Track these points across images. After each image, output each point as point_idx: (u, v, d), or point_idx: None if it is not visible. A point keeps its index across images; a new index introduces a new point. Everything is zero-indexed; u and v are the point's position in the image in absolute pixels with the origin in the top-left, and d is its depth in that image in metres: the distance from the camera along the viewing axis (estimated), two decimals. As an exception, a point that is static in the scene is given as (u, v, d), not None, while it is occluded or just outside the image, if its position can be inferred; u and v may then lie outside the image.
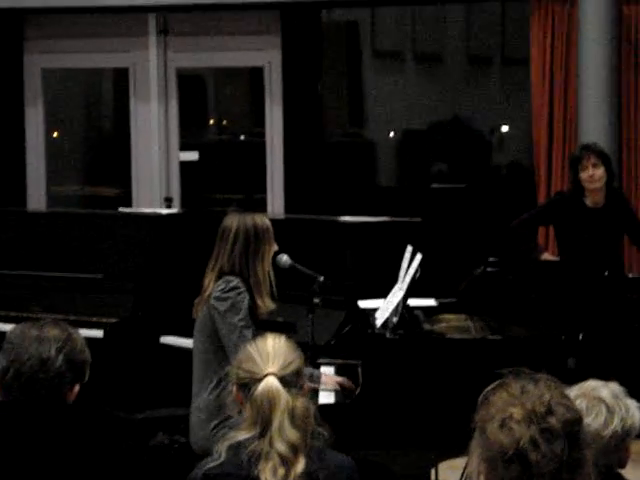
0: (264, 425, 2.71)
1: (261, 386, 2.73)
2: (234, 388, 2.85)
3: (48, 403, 2.89)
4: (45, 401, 2.88)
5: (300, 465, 2.68)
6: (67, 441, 2.85)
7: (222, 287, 4.30)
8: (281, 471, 2.67)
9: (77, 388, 2.97)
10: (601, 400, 2.91)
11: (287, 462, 2.68)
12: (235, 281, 4.30)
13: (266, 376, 2.75)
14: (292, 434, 2.70)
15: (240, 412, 2.84)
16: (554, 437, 2.11)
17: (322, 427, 2.79)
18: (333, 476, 2.75)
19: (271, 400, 2.72)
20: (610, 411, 2.90)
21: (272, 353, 2.80)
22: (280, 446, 2.68)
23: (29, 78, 8.23)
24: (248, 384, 2.77)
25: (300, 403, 2.75)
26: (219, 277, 4.34)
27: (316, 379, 4.27)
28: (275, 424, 2.70)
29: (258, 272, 4.35)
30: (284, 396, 2.73)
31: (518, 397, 2.15)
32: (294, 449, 2.69)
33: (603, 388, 2.95)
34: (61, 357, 2.90)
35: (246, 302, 4.28)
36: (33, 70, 8.25)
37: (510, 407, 2.13)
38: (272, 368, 2.77)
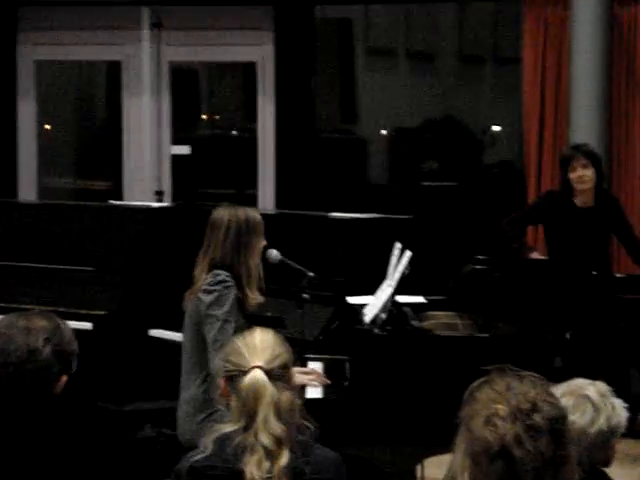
0: (249, 418, 2.71)
1: (247, 379, 2.74)
2: (221, 381, 2.86)
3: (35, 394, 2.87)
4: (32, 392, 2.87)
5: (284, 459, 2.68)
6: (53, 432, 2.84)
7: (210, 280, 4.31)
8: (266, 465, 2.67)
9: (64, 379, 2.95)
10: (588, 398, 2.92)
11: (272, 455, 2.68)
12: (223, 275, 4.31)
13: (252, 369, 2.75)
14: (277, 427, 2.69)
15: (228, 405, 2.85)
16: (538, 434, 2.10)
17: (308, 421, 2.79)
18: (319, 471, 2.75)
19: (256, 393, 2.72)
20: (596, 409, 2.91)
21: (259, 346, 2.81)
22: (265, 439, 2.68)
23: (22, 70, 8.21)
24: (235, 377, 2.78)
25: (285, 397, 2.75)
26: (210, 269, 4.35)
27: None
28: (260, 417, 2.70)
29: (249, 264, 4.35)
30: (269, 389, 2.73)
31: (503, 394, 2.14)
32: (278, 442, 2.69)
33: (590, 386, 2.96)
34: (49, 348, 2.89)
35: (232, 296, 4.28)
36: (26, 62, 8.23)
37: (495, 404, 2.13)
38: (259, 361, 2.77)
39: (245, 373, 2.75)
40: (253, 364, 2.76)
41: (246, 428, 2.71)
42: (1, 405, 2.86)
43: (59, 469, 2.80)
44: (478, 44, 8.38)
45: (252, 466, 2.67)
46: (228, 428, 2.74)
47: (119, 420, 5.58)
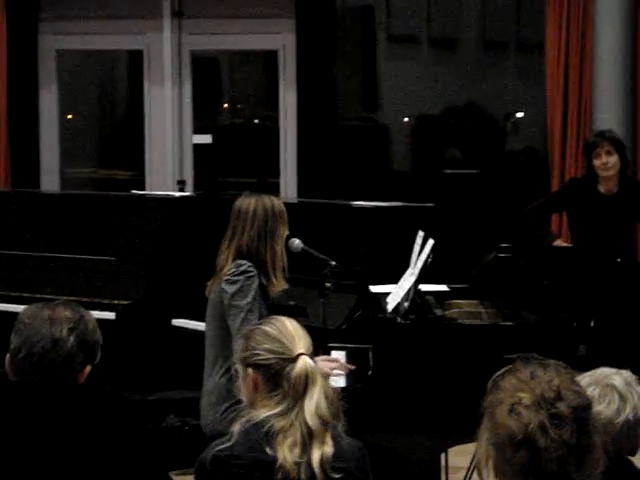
0: (294, 402, 2.74)
1: (299, 365, 2.78)
2: (249, 370, 2.86)
3: (59, 384, 2.88)
4: (56, 382, 2.87)
5: (328, 447, 2.71)
6: (78, 422, 2.84)
7: (233, 270, 4.31)
8: (298, 448, 2.70)
9: (88, 369, 2.95)
10: (614, 388, 2.89)
11: (311, 438, 2.71)
12: (245, 265, 4.30)
13: (299, 356, 2.80)
14: (326, 411, 2.74)
15: (248, 395, 2.86)
16: (563, 423, 2.09)
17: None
18: (342, 459, 2.75)
19: (309, 379, 2.76)
20: (622, 399, 2.88)
21: (295, 334, 2.86)
22: (312, 420, 2.71)
23: (44, 60, 8.22)
24: (272, 365, 2.80)
25: (328, 383, 2.83)
26: (236, 256, 4.35)
27: None
28: (312, 400, 2.74)
29: (276, 251, 4.37)
30: (319, 374, 2.79)
31: (527, 382, 2.13)
32: (324, 425, 2.72)
33: (616, 376, 2.93)
34: (72, 338, 2.89)
35: (255, 286, 4.28)
36: (48, 52, 8.23)
37: (519, 392, 2.12)
38: (301, 348, 2.82)
39: (291, 360, 2.79)
40: (298, 351, 2.81)
41: (286, 412, 2.74)
42: (26, 395, 2.86)
43: (83, 459, 2.80)
44: (501, 30, 8.31)
45: (285, 448, 2.69)
46: (264, 413, 2.75)
47: (143, 410, 5.58)
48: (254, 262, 4.33)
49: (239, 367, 2.90)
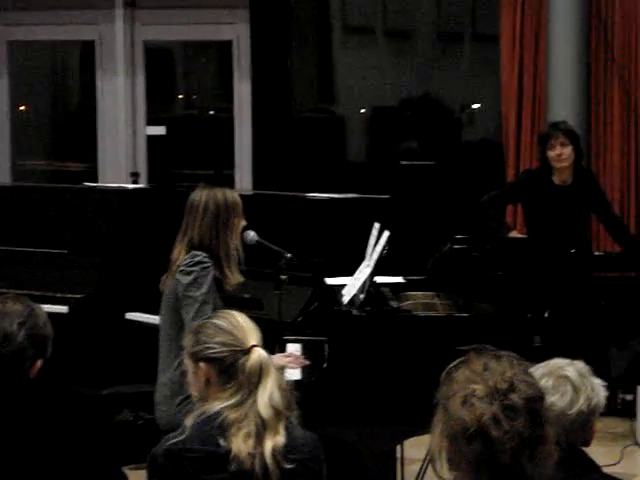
0: (248, 393, 2.74)
1: (253, 357, 2.78)
2: (201, 364, 2.85)
3: (9, 378, 2.87)
4: (6, 376, 2.86)
5: (281, 438, 2.71)
6: (28, 416, 2.83)
7: (187, 261, 4.29)
8: (252, 440, 2.69)
9: (39, 364, 2.95)
10: (567, 379, 2.90)
11: (265, 429, 2.70)
12: (200, 256, 4.28)
13: (252, 347, 2.80)
14: (279, 401, 2.74)
15: (201, 389, 2.85)
16: (516, 414, 2.10)
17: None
18: (295, 451, 2.76)
19: (263, 369, 2.77)
20: (576, 390, 2.89)
21: (246, 326, 2.87)
22: (266, 410, 2.71)
23: (-6, 50, 8.15)
24: (226, 358, 2.80)
25: (280, 375, 2.83)
26: (188, 250, 4.33)
27: None
28: (266, 391, 2.74)
29: (229, 245, 4.34)
30: (272, 366, 2.79)
31: (480, 374, 2.14)
32: (277, 415, 2.72)
33: (569, 367, 2.94)
34: (23, 332, 2.89)
35: (210, 278, 4.26)
36: (-1, 43, 8.17)
37: (472, 384, 2.12)
38: (254, 340, 2.83)
39: (244, 352, 2.79)
40: (251, 343, 2.82)
41: (240, 403, 2.73)
42: (-24, 390, 2.84)
43: (34, 453, 2.79)
44: (456, 21, 8.32)
45: (239, 440, 2.69)
46: (217, 406, 2.75)
47: (96, 404, 5.55)
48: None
49: (189, 362, 2.89)
